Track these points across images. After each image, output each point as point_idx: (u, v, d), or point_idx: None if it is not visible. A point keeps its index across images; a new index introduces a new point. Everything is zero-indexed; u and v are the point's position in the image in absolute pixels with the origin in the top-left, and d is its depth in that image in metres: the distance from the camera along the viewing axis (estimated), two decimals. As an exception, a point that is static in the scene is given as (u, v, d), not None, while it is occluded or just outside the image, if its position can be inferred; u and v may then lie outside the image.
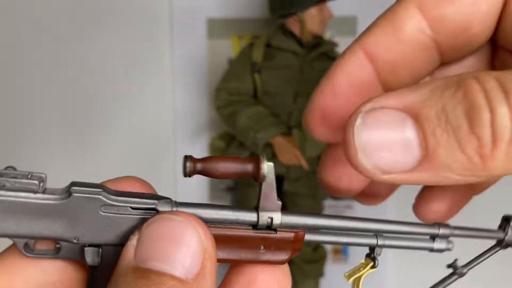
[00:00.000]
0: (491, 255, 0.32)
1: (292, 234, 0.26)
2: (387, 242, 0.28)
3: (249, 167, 0.25)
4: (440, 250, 0.30)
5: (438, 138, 0.21)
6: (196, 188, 1.37)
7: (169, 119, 1.34)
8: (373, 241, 0.28)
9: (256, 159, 0.25)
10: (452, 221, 0.30)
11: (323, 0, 1.13)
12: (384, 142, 0.22)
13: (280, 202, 0.25)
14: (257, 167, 0.25)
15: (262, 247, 0.26)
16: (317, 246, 1.30)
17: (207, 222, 0.25)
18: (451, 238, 0.30)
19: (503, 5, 0.26)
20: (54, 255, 0.24)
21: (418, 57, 0.28)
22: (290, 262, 0.27)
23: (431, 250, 0.30)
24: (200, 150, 1.35)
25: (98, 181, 0.25)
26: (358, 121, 0.22)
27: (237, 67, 1.19)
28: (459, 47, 0.28)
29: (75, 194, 0.24)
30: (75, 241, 0.24)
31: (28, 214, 0.23)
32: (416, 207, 0.34)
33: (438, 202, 0.33)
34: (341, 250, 1.44)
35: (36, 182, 0.23)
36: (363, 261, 0.29)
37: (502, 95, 0.20)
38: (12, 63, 1.32)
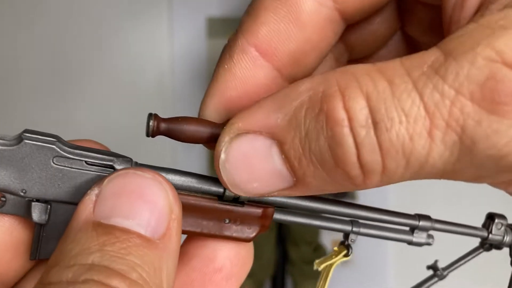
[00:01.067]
0: (474, 257, 0.30)
1: (260, 210, 0.24)
2: (363, 230, 0.27)
3: (217, 131, 0.23)
4: (419, 244, 0.28)
5: (305, 170, 0.20)
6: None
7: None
8: (347, 227, 0.26)
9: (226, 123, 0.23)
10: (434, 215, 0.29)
11: None
12: (253, 177, 0.21)
13: None
14: None
15: (227, 220, 0.24)
16: (318, 247, 1.30)
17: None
18: (432, 232, 0.28)
19: None
20: None
21: (324, 36, 0.24)
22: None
23: (410, 243, 0.28)
24: (199, 150, 1.35)
25: None
26: (222, 157, 0.21)
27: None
28: (366, 8, 0.24)
29: (27, 141, 0.22)
30: (21, 193, 0.22)
31: None
32: None
33: None
34: (341, 250, 1.43)
35: None
36: (336, 248, 0.27)
37: (370, 125, 0.18)
38: None
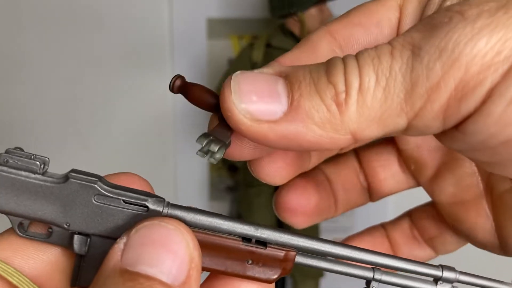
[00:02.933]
0: None
1: (283, 253, 0.25)
2: (385, 278, 0.27)
3: (216, 101, 0.28)
4: None
5: (302, 90, 0.24)
6: (196, 188, 1.37)
7: (169, 119, 1.34)
8: (369, 274, 0.27)
9: None
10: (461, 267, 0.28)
11: (323, 0, 1.13)
12: (257, 88, 0.25)
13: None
14: None
15: (250, 261, 0.25)
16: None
17: (197, 227, 0.25)
18: (456, 284, 0.27)
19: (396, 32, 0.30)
20: (45, 239, 0.25)
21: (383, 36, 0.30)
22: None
23: None
24: (200, 159, 1.35)
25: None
26: (237, 72, 0.25)
27: (237, 67, 1.19)
28: None
29: (72, 180, 0.24)
30: (65, 226, 0.24)
31: (26, 193, 0.24)
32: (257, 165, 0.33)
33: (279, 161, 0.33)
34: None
35: (37, 163, 0.24)
36: None
37: (354, 57, 0.24)
38: (12, 61, 1.32)
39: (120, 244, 0.23)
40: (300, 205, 0.37)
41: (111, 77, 1.33)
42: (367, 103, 0.23)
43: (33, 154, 0.24)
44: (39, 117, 1.33)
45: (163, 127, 1.35)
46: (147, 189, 0.27)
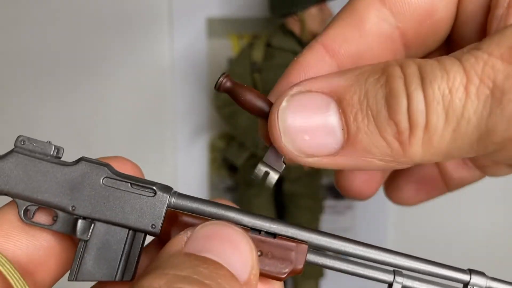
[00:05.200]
0: None
1: (294, 244, 0.24)
2: (407, 282, 0.24)
3: (268, 108, 0.25)
4: None
5: (359, 123, 0.22)
6: (197, 188, 1.37)
7: (169, 119, 1.34)
8: (389, 277, 0.24)
9: None
10: (494, 272, 0.26)
11: (323, -1, 1.13)
12: (307, 126, 0.22)
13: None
14: None
15: (260, 253, 0.24)
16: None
17: (204, 215, 0.25)
18: None
19: None
20: (49, 227, 0.25)
21: (383, 49, 0.27)
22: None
23: None
24: (200, 150, 1.35)
25: None
26: (283, 104, 0.23)
27: (237, 67, 1.18)
28: (424, 37, 0.27)
29: (83, 161, 0.25)
30: (71, 209, 0.25)
31: (37, 175, 0.25)
32: (387, 190, 0.33)
33: (407, 187, 0.33)
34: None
35: (52, 147, 0.25)
36: None
37: (419, 81, 0.21)
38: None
39: (183, 235, 0.22)
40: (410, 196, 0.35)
41: (108, 80, 1.33)
42: (434, 143, 0.21)
43: (49, 141, 0.25)
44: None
45: (163, 128, 1.35)
46: (138, 175, 0.27)
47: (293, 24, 1.15)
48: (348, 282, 1.04)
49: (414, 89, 0.21)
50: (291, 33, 1.15)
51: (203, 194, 1.38)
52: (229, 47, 1.34)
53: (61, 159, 0.25)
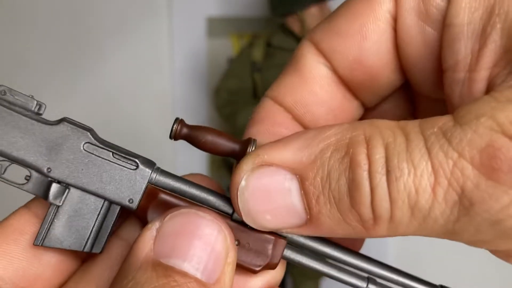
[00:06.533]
0: None
1: (273, 238, 0.24)
2: None
3: (237, 147, 0.24)
4: None
5: (321, 207, 0.21)
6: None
7: (169, 119, 1.34)
8: (362, 283, 0.25)
9: (246, 142, 0.24)
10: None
11: (323, -1, 1.13)
12: (268, 208, 0.22)
13: None
14: (245, 150, 0.23)
15: (237, 242, 0.24)
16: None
17: (185, 196, 0.24)
18: None
19: (393, 36, 0.25)
20: (20, 186, 0.24)
21: (328, 92, 0.26)
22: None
23: None
24: (200, 150, 1.35)
25: None
26: (242, 183, 0.22)
27: (237, 67, 1.18)
28: (364, 82, 0.26)
29: (65, 123, 0.24)
30: (46, 171, 0.23)
31: (15, 130, 0.23)
32: None
33: None
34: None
35: (35, 102, 0.23)
36: None
37: (384, 173, 0.20)
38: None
39: (152, 230, 0.22)
40: None
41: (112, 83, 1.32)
42: (400, 231, 0.20)
43: (31, 96, 0.24)
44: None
45: (163, 128, 1.35)
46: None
47: (293, 24, 1.15)
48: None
49: (378, 183, 0.20)
50: (291, 33, 1.15)
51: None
52: (229, 47, 1.34)
53: (43, 116, 0.24)
